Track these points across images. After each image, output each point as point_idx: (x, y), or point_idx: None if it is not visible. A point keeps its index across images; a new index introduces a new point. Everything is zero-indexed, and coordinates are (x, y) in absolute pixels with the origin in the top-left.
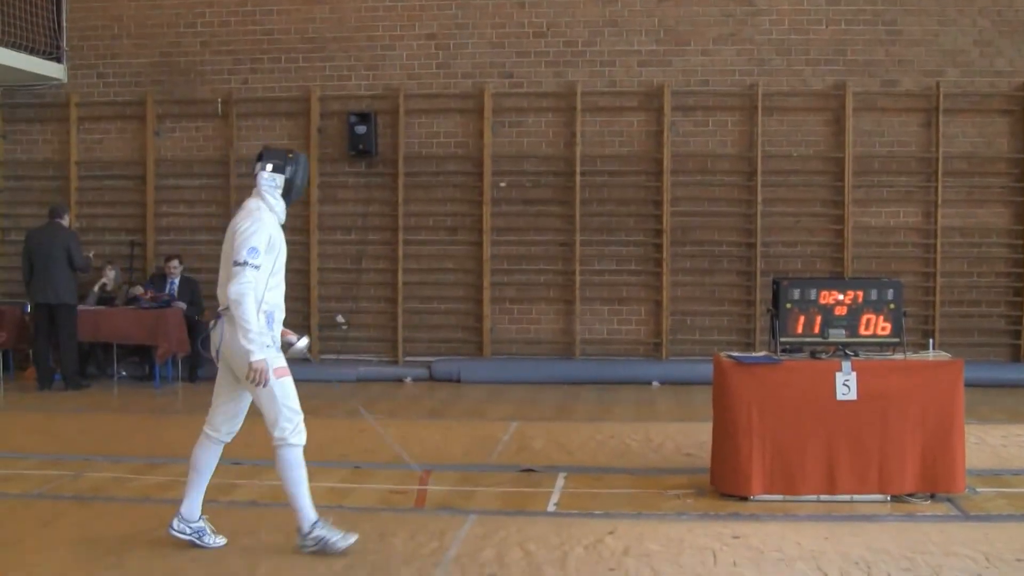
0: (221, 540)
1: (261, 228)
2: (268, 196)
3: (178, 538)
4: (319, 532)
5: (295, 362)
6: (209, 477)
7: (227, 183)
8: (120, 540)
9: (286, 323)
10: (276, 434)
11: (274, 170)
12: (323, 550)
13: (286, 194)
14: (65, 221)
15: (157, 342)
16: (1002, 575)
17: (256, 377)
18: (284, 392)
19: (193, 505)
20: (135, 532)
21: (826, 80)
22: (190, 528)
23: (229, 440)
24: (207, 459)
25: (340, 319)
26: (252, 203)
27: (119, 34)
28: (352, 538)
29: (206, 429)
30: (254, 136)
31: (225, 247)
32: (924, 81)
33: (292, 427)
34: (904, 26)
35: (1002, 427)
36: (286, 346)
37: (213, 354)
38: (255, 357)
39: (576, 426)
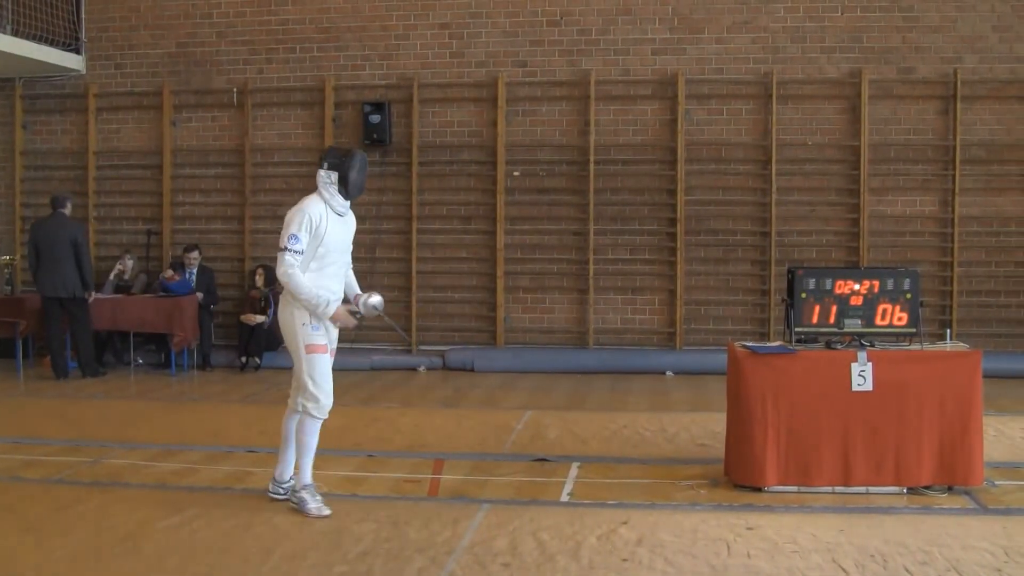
0: (324, 509)
1: (301, 217)
2: (324, 192)
3: (274, 499)
4: (304, 494)
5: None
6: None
7: (243, 172)
8: (136, 526)
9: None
10: (300, 400)
11: (329, 168)
12: (299, 508)
13: (343, 189)
14: (68, 210)
15: (173, 330)
16: (1021, 569)
17: (342, 322)
18: (311, 367)
19: (286, 469)
20: (151, 518)
21: (841, 68)
22: (282, 489)
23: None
24: (292, 429)
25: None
26: (307, 198)
27: (136, 25)
28: (325, 511)
29: (290, 403)
30: (269, 126)
31: None
32: (942, 68)
33: (313, 404)
34: (921, 12)
35: (1021, 419)
36: (360, 303)
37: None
38: (329, 312)
39: (590, 415)
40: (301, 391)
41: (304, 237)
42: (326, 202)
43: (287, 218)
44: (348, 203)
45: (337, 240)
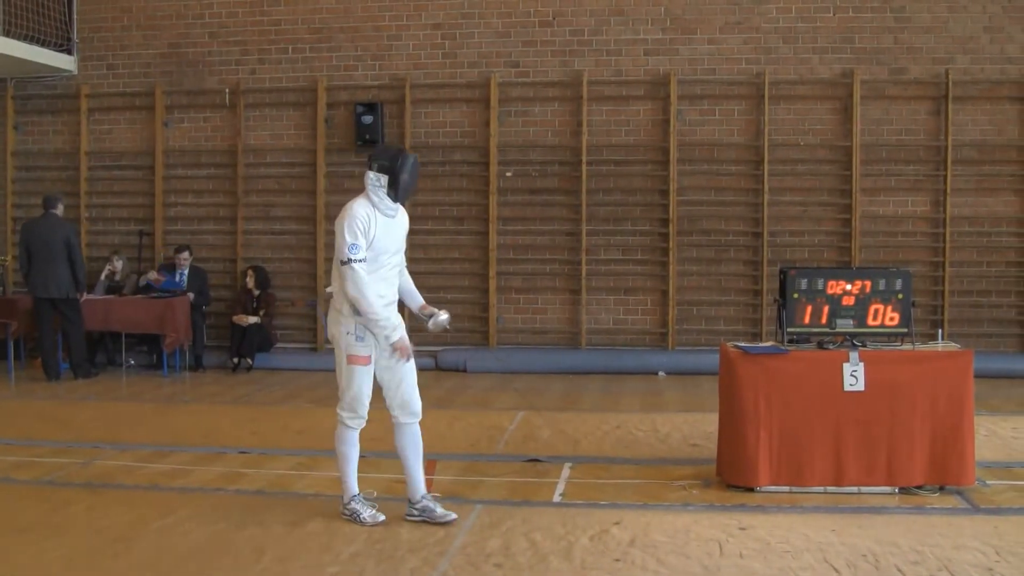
0: (379, 516)
1: (351, 223)
2: (372, 195)
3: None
4: (354, 505)
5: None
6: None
7: (235, 173)
8: (128, 527)
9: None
10: (337, 409)
11: (379, 170)
12: (353, 521)
13: (392, 192)
14: (59, 211)
15: (165, 331)
16: (1013, 569)
17: (400, 353)
18: (349, 378)
19: (415, 485)
20: (143, 519)
21: (833, 68)
22: (416, 510)
23: (410, 418)
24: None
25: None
26: (353, 201)
27: (128, 25)
28: (380, 517)
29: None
30: (262, 127)
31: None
32: (933, 68)
33: (348, 414)
34: (913, 13)
35: (1012, 419)
36: (427, 319)
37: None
38: (395, 338)
39: (582, 416)
40: (339, 400)
41: (362, 243)
42: (375, 205)
43: (339, 227)
44: (398, 206)
45: (387, 242)
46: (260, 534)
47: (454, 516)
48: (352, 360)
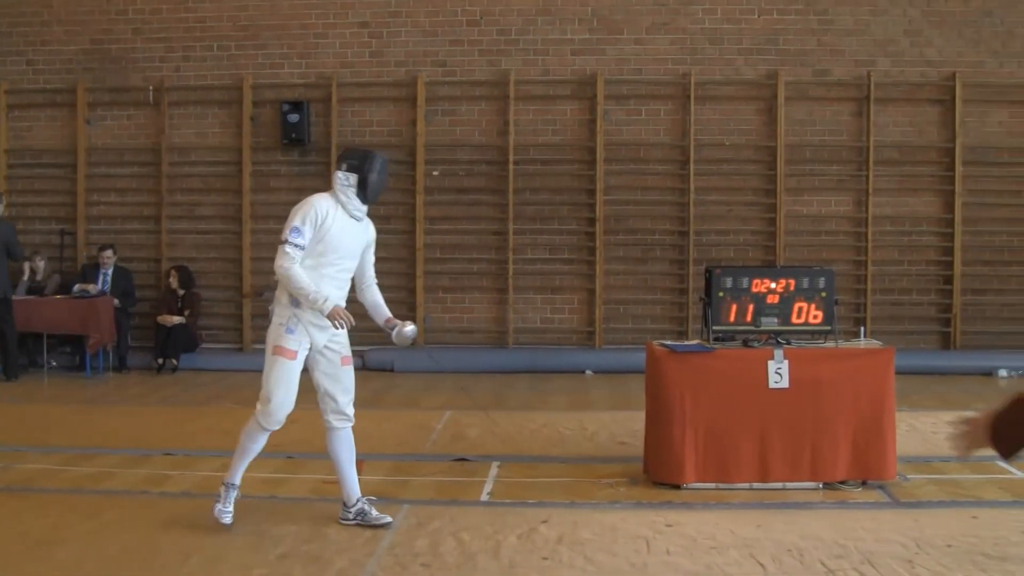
0: (225, 516)
1: (306, 209)
2: (340, 194)
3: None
4: (222, 492)
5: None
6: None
7: (159, 171)
8: (52, 531)
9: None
10: (257, 404)
11: (348, 169)
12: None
13: (361, 193)
14: None
15: (89, 332)
16: (932, 560)
17: (338, 320)
18: (270, 369)
19: (347, 491)
20: (67, 523)
21: (758, 69)
22: (351, 514)
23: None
24: (333, 447)
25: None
26: (317, 194)
27: (49, 20)
28: (228, 519)
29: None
30: (186, 125)
31: None
32: (855, 70)
33: (261, 407)
34: (836, 16)
35: (932, 414)
36: (392, 331)
37: None
38: (327, 308)
39: (510, 415)
40: (260, 392)
41: (307, 231)
42: (341, 204)
43: (293, 211)
44: (365, 208)
45: (342, 242)
46: (186, 537)
47: (389, 519)
48: (278, 351)
